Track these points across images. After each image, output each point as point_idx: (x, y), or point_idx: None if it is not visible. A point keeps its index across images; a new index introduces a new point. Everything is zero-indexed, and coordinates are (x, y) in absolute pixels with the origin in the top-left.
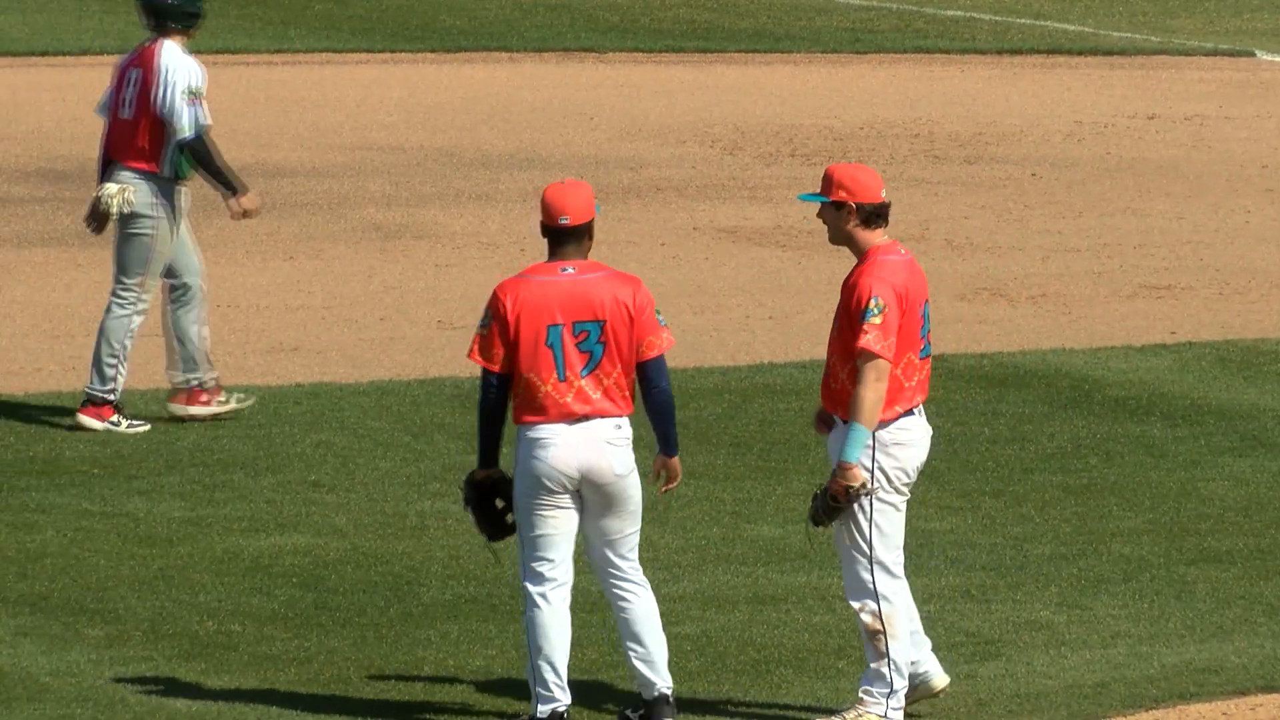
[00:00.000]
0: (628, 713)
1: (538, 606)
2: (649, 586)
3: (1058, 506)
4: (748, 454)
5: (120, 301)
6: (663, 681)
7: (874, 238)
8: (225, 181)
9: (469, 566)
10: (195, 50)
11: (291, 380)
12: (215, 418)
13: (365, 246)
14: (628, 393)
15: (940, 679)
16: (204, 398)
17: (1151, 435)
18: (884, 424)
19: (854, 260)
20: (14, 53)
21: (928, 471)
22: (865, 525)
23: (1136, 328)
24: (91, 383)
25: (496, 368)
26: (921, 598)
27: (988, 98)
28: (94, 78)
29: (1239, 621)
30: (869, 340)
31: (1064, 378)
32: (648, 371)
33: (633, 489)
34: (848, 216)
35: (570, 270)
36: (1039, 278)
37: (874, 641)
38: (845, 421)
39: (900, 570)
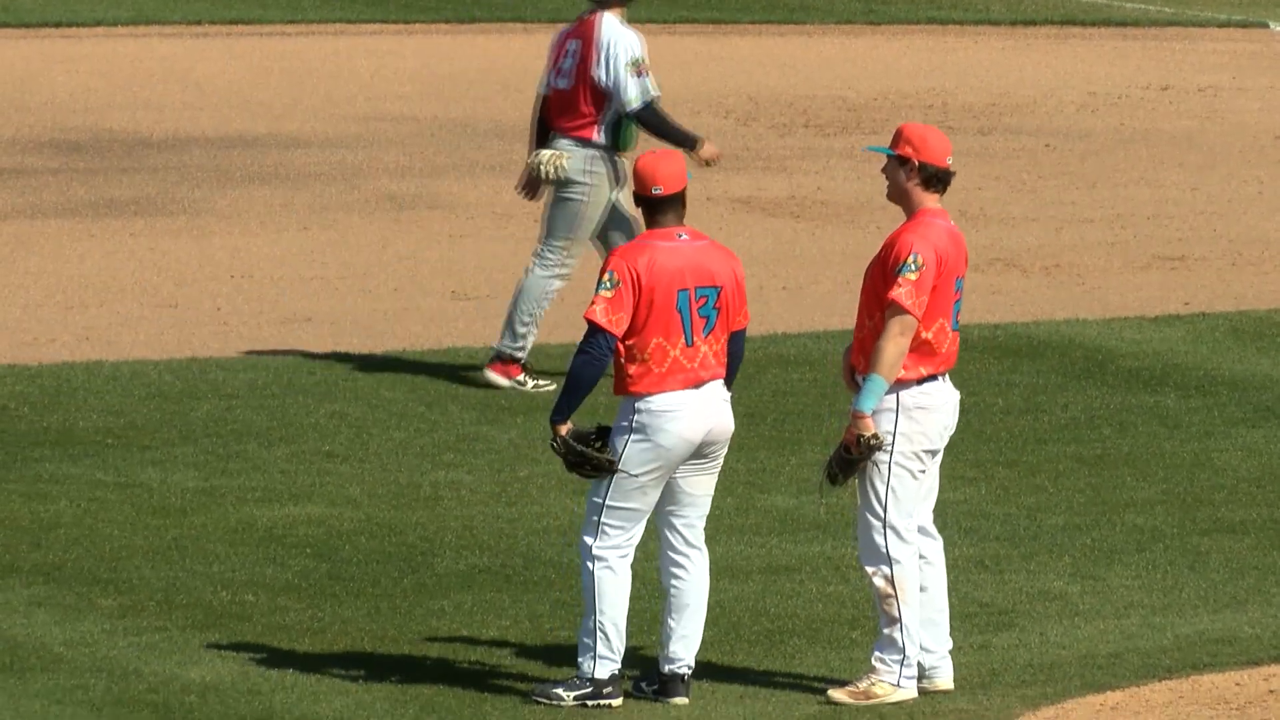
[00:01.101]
0: (642, 684)
1: (609, 568)
2: (707, 555)
3: (1071, 477)
4: (761, 424)
5: (543, 263)
6: (686, 661)
7: (929, 200)
8: (681, 140)
9: (483, 537)
10: (206, 20)
11: (305, 349)
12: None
13: (379, 217)
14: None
15: (946, 682)
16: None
17: (1165, 406)
18: (907, 385)
19: (894, 226)
20: (27, 24)
21: None
22: (882, 489)
23: (1150, 298)
24: (502, 339)
25: (618, 332)
26: None
27: (1001, 69)
28: (107, 48)
29: (1253, 592)
30: (900, 294)
31: (1077, 348)
32: (737, 340)
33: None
34: (910, 173)
35: (685, 236)
36: (1052, 249)
37: (886, 605)
38: (864, 375)
39: (913, 536)
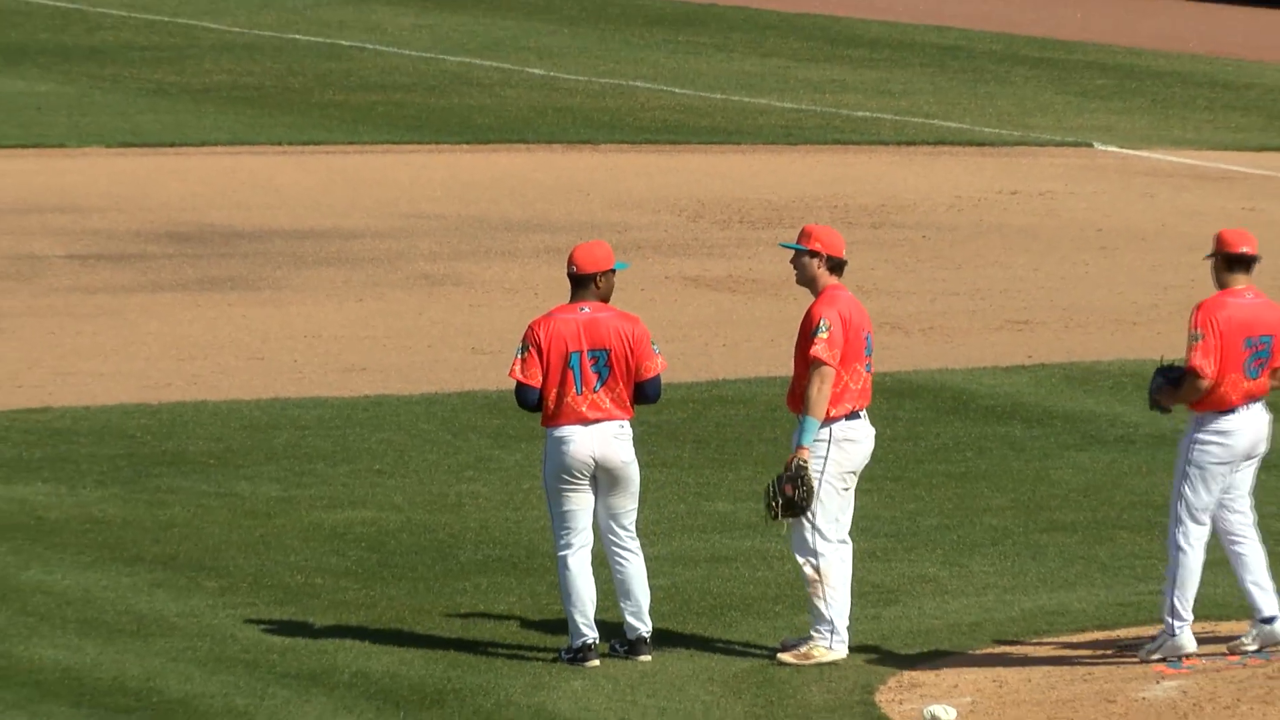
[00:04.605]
0: (615, 645)
1: (567, 568)
2: (641, 552)
3: (941, 489)
4: (706, 448)
5: None
6: (645, 627)
7: (832, 281)
8: None
9: (495, 534)
10: (285, 141)
11: (360, 393)
12: None
13: (416, 291)
14: (628, 402)
15: (844, 651)
16: None
17: (1013, 434)
18: (835, 420)
19: (810, 300)
20: (148, 144)
21: None
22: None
23: (1002, 353)
24: None
25: (535, 384)
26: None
27: (889, 178)
28: (209, 163)
29: (1080, 576)
30: (818, 350)
31: (946, 391)
32: (644, 388)
33: (633, 473)
34: (818, 263)
35: (586, 310)
36: (927, 314)
37: (813, 589)
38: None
39: (833, 536)
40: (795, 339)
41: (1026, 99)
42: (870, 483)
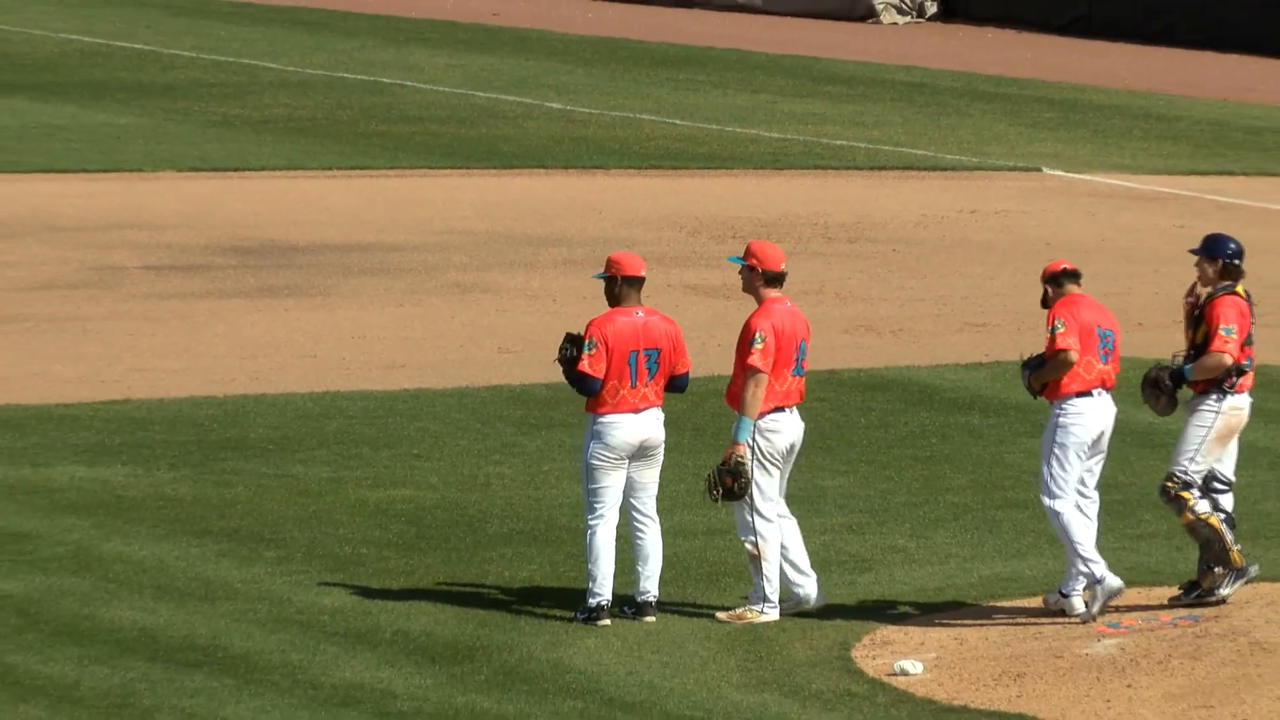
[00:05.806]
0: (624, 609)
1: (595, 534)
2: (659, 523)
3: (910, 470)
4: (704, 435)
5: None
6: (653, 591)
7: (771, 293)
8: None
9: (519, 510)
10: (334, 166)
11: (401, 387)
12: None
13: (449, 297)
14: (662, 392)
15: (818, 603)
16: None
17: (972, 423)
18: (762, 415)
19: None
20: (215, 168)
21: (823, 446)
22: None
23: (963, 352)
24: None
25: (600, 375)
26: (819, 530)
27: (863, 199)
28: (268, 185)
29: (1030, 547)
30: (754, 359)
31: (914, 385)
32: (679, 381)
33: (662, 453)
34: (755, 277)
35: (640, 314)
36: (897, 318)
37: (753, 564)
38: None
39: (773, 515)
40: (737, 343)
41: (983, 129)
42: (846, 465)
